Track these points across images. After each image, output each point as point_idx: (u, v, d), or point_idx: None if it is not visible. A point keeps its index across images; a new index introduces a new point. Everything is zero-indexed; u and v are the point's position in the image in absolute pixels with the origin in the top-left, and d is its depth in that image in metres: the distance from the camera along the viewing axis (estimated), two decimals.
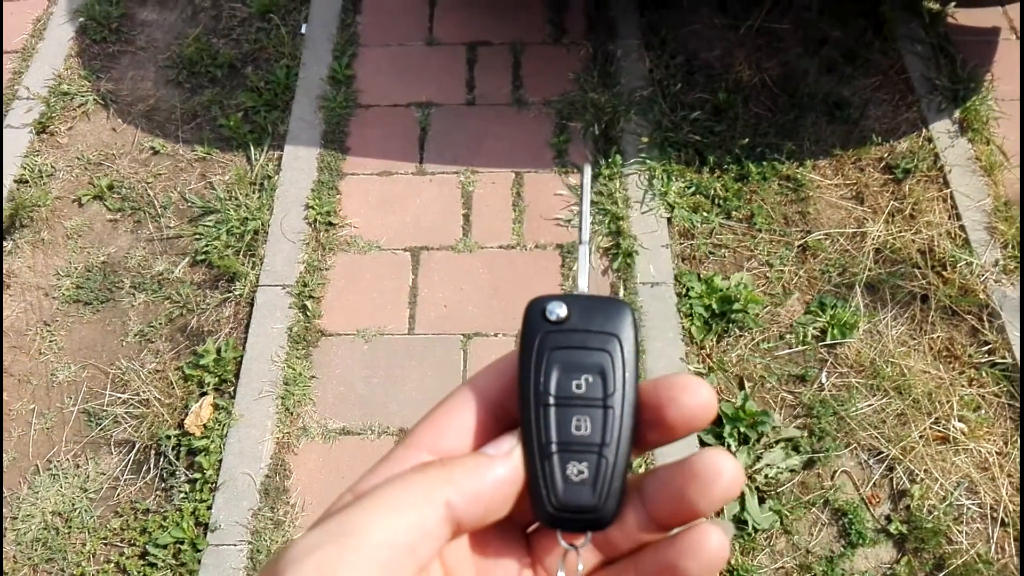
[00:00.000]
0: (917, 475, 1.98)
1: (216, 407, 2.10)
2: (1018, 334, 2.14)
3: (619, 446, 0.40)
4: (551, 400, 0.41)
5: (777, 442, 2.02)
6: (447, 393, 0.43)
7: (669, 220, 2.38)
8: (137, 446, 2.09)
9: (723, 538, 0.39)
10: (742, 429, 2.01)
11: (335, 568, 0.34)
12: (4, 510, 2.02)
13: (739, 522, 1.93)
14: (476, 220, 2.40)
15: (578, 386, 0.41)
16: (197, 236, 2.41)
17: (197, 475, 2.01)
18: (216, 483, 2.00)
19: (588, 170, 0.49)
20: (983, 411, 2.06)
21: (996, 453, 2.00)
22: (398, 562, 0.35)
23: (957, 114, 2.57)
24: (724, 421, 2.02)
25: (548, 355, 0.41)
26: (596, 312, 0.42)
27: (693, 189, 2.43)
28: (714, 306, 2.19)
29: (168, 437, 2.06)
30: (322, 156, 2.55)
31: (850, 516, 1.93)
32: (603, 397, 0.41)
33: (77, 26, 2.92)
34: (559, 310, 0.42)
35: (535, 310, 0.43)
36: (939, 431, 2.03)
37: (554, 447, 0.40)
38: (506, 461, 0.40)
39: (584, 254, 0.46)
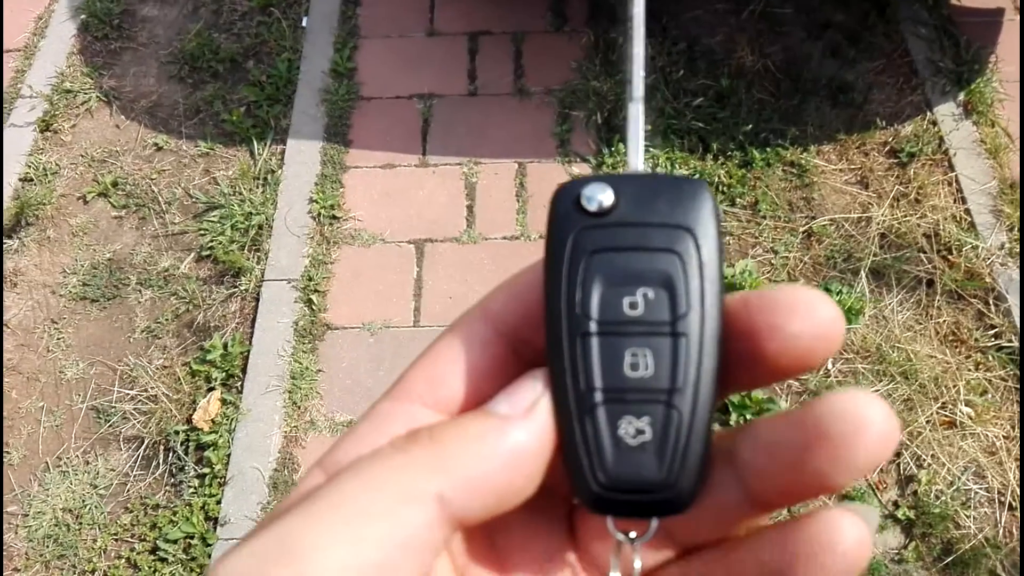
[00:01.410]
0: (924, 460, 1.98)
1: (224, 402, 2.11)
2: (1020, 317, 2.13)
3: (698, 393, 0.28)
4: (593, 327, 0.29)
5: None
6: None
7: None
8: (146, 442, 2.10)
9: (863, 531, 0.27)
10: (748, 416, 2.01)
11: None
12: (15, 507, 2.04)
13: None
14: (480, 211, 2.40)
15: (633, 305, 0.29)
16: (202, 232, 2.41)
17: (206, 470, 2.02)
18: (225, 478, 2.01)
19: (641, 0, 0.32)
20: (990, 395, 2.06)
21: (1003, 437, 2.00)
22: None
23: (961, 96, 2.55)
24: (730, 408, 2.02)
25: (587, 262, 0.29)
26: (657, 197, 0.29)
27: (697, 176, 2.42)
28: None
29: (177, 432, 2.08)
30: (325, 149, 2.55)
31: (857, 502, 1.93)
32: (671, 321, 0.29)
33: (79, 23, 2.92)
34: (602, 196, 0.29)
35: (566, 198, 0.30)
36: (946, 416, 2.03)
37: (599, 396, 0.28)
38: (527, 423, 0.28)
39: (637, 116, 0.32)
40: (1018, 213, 2.30)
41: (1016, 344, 2.11)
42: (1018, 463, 1.96)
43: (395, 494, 0.26)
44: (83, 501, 2.03)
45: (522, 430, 0.28)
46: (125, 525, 1.99)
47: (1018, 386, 2.06)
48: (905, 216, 2.33)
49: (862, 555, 0.26)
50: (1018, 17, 2.74)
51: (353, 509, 0.26)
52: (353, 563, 0.25)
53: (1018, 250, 2.24)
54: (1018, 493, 1.93)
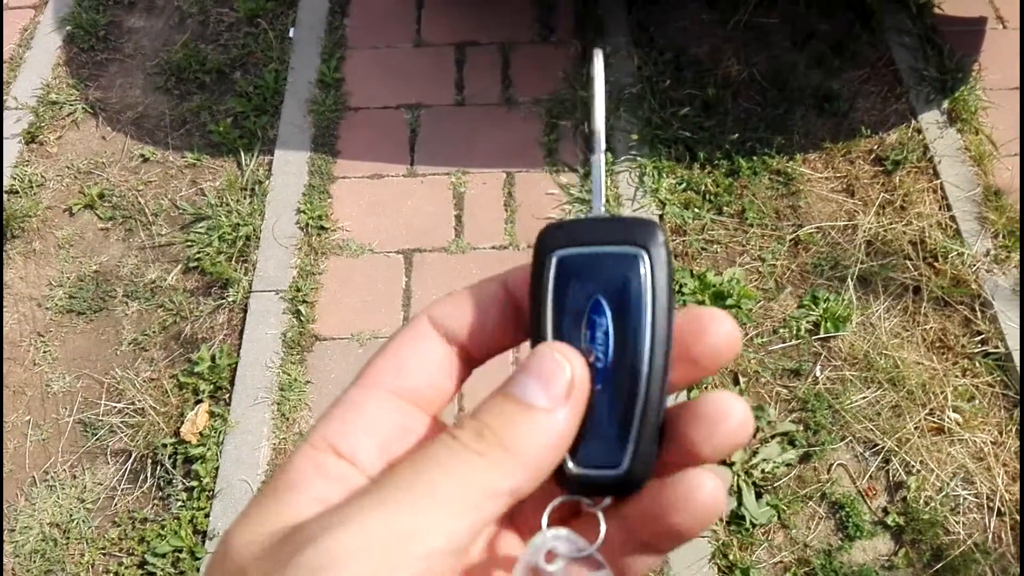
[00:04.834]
0: (913, 467, 1.99)
1: (212, 414, 2.10)
2: (1014, 324, 2.14)
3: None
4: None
5: (773, 436, 2.02)
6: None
7: (660, 217, 2.38)
8: (133, 455, 2.08)
9: (717, 486, 0.34)
10: None
11: None
12: (2, 523, 2.02)
13: (737, 517, 1.94)
14: (468, 221, 2.40)
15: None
16: (189, 243, 2.40)
17: (194, 483, 2.01)
18: (213, 491, 2.00)
19: (600, 57, 0.38)
20: (977, 401, 2.07)
21: (991, 443, 2.01)
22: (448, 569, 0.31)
23: (946, 104, 2.57)
24: None
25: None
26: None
27: (684, 185, 2.43)
28: (707, 302, 2.20)
29: (164, 446, 2.06)
30: (312, 160, 2.54)
31: (847, 509, 1.94)
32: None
33: (64, 35, 2.91)
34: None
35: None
36: (934, 422, 2.04)
37: None
38: (568, 410, 0.34)
39: (599, 166, 0.39)
40: (1003, 220, 2.32)
41: (1002, 350, 2.12)
42: (1006, 468, 1.97)
43: (481, 492, 0.31)
44: (70, 515, 2.01)
45: (564, 418, 0.33)
46: (113, 539, 1.98)
47: (1005, 392, 2.07)
48: (891, 224, 2.35)
49: (718, 502, 0.33)
50: (1001, 25, 2.77)
51: (445, 501, 0.31)
52: (443, 549, 0.30)
53: (1003, 256, 2.26)
54: (1007, 498, 1.94)
